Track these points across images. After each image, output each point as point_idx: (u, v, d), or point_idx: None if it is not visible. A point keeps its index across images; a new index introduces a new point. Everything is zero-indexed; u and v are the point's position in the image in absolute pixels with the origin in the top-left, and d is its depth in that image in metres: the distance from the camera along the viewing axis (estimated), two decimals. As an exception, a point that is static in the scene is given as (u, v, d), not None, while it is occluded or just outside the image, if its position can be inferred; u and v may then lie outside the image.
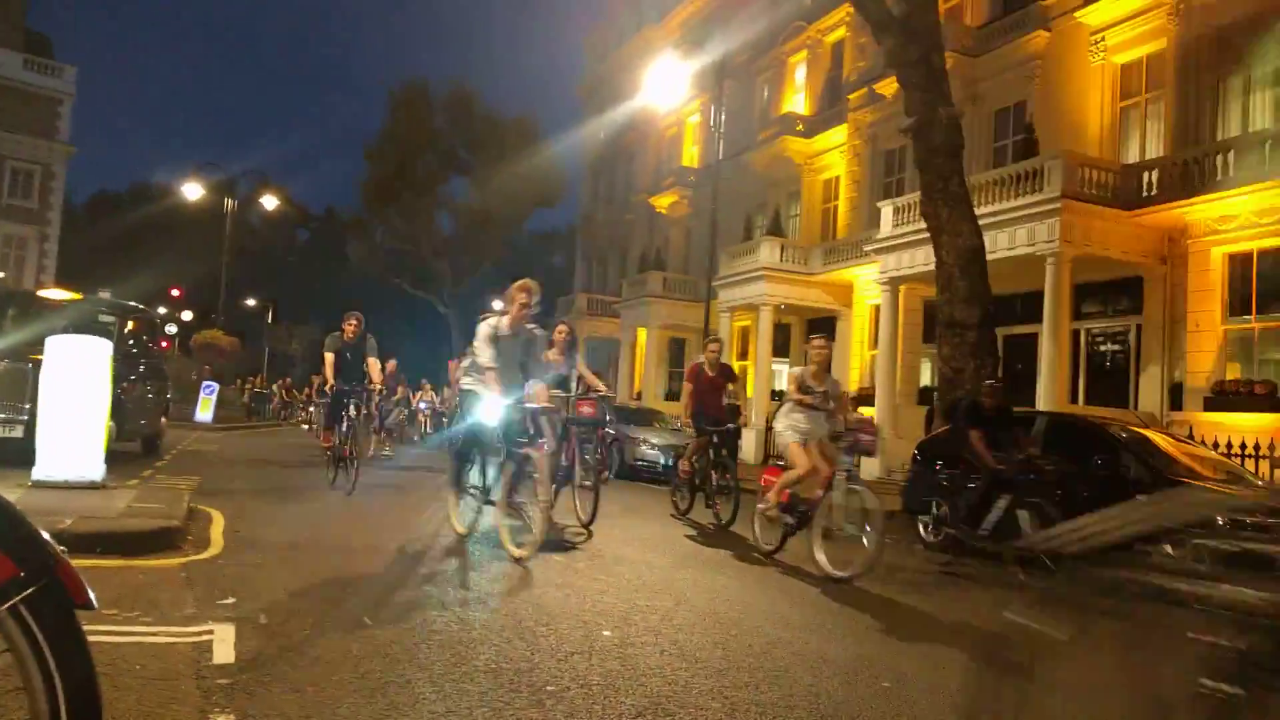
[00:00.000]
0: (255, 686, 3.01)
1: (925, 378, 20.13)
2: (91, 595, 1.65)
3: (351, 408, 9.12)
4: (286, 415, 29.29)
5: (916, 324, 20.27)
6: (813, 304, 23.58)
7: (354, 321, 9.41)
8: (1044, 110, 18.46)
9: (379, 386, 9.65)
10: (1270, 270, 14.23)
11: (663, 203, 32.93)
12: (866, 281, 21.75)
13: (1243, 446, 11.14)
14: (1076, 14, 17.87)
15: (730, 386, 9.68)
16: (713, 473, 9.03)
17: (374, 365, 9.37)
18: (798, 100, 27.37)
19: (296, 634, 3.68)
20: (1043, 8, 18.80)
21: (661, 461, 14.48)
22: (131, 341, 10.79)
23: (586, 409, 8.53)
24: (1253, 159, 14.01)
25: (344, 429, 9.14)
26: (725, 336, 24.70)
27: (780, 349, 25.26)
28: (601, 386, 8.84)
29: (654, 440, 15.09)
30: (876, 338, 20.60)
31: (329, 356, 9.23)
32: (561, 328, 8.54)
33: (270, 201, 31.87)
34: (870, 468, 16.36)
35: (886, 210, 19.19)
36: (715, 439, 8.99)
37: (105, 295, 16.86)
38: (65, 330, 7.40)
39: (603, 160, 39.40)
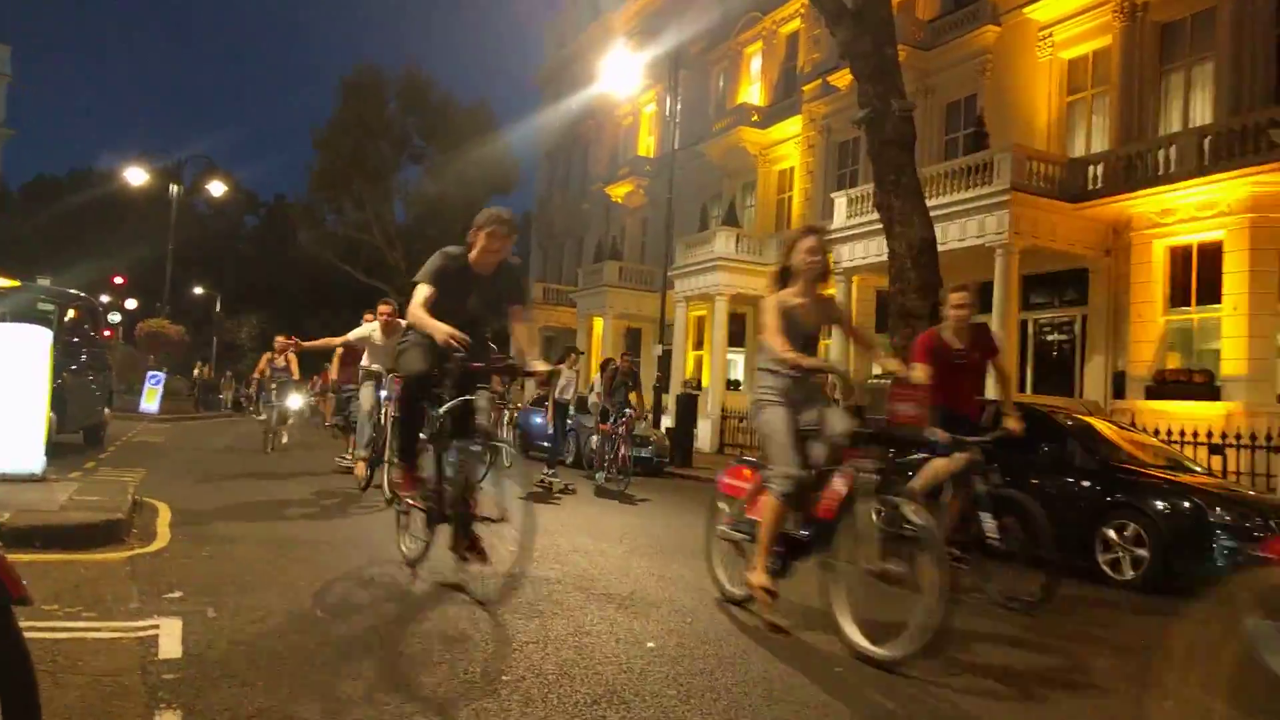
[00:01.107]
0: (203, 681, 2.96)
1: (878, 366, 20.39)
2: (28, 589, 1.60)
3: (479, 404, 4.53)
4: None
5: (869, 314, 20.50)
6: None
7: (500, 232, 4.53)
8: (994, 104, 18.77)
9: (541, 372, 4.56)
10: (1209, 263, 14.66)
11: (619, 192, 32.87)
12: (820, 272, 21.92)
13: (1181, 434, 11.47)
14: (1025, 10, 18.17)
15: (993, 364, 6.02)
16: (986, 521, 5.29)
17: (522, 329, 4.76)
18: (753, 91, 27.47)
19: (246, 627, 3.62)
20: (993, 3, 19.08)
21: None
22: (73, 330, 10.49)
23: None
24: (1192, 154, 14.40)
25: (451, 456, 4.45)
26: (680, 326, 24.78)
27: (735, 339, 25.38)
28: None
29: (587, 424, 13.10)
30: (831, 327, 20.78)
31: (424, 294, 4.39)
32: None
33: (218, 188, 31.12)
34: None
35: (840, 201, 19.38)
36: (984, 458, 5.47)
37: (45, 282, 16.39)
38: (3, 319, 7.19)
39: (559, 148, 39.19)
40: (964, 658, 4.14)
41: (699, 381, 24.14)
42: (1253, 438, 11.40)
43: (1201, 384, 14.27)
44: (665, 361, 21.38)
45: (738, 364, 25.84)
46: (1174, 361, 15.22)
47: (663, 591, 5.06)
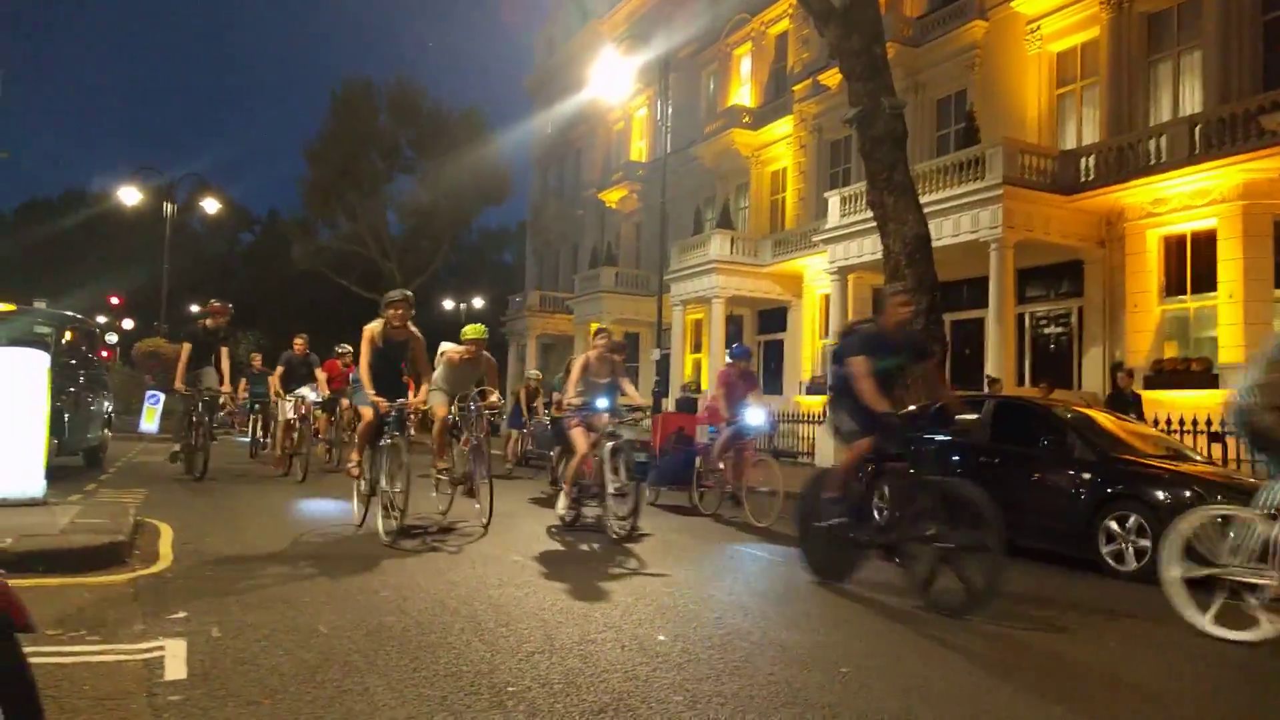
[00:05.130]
0: (209, 702, 2.96)
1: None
2: (31, 617, 1.60)
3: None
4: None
5: (866, 312, 20.47)
6: (764, 295, 23.77)
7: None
8: (984, 98, 18.80)
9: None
10: (1203, 251, 14.67)
11: (612, 197, 32.90)
12: (816, 271, 21.96)
13: (1181, 422, 11.48)
14: (1012, 3, 18.21)
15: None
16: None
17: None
18: (743, 92, 27.51)
19: (251, 646, 3.62)
20: (980, -3, 19.13)
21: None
22: (70, 352, 10.49)
23: None
24: (1183, 143, 14.42)
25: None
26: (678, 330, 24.81)
27: (733, 340, 25.39)
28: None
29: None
30: (827, 327, 20.84)
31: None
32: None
33: (212, 205, 31.19)
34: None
35: (833, 200, 19.39)
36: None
37: (41, 305, 16.33)
38: (-1, 343, 7.19)
39: (551, 155, 39.24)
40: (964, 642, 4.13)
41: (698, 384, 24.16)
42: (1252, 424, 11.40)
43: (1199, 372, 14.27)
44: (664, 365, 21.38)
45: (736, 366, 25.82)
46: (1171, 350, 15.23)
47: (667, 597, 5.05)
